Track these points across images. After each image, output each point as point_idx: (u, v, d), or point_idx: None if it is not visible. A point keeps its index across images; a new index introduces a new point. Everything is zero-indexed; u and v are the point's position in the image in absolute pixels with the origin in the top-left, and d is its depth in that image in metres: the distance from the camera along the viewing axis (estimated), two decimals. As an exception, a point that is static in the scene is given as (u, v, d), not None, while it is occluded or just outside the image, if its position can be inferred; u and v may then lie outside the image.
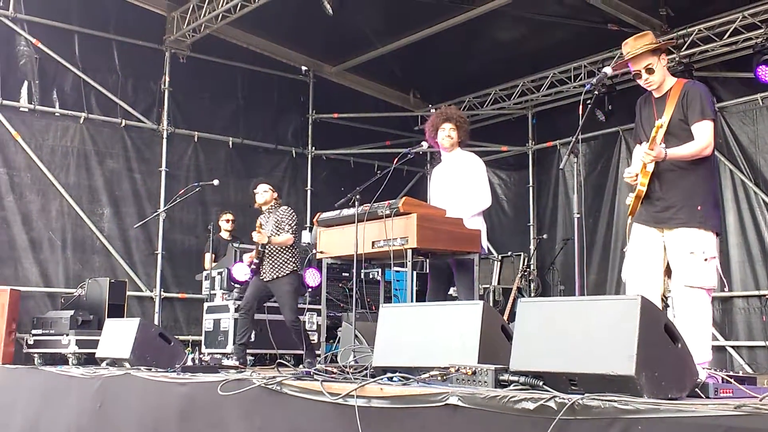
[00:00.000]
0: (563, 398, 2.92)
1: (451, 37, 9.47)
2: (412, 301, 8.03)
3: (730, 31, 8.35)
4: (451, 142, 5.90)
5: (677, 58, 8.73)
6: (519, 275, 9.99)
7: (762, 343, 8.29)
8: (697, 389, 3.40)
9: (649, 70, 4.42)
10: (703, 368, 3.95)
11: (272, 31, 10.44)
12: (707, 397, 3.35)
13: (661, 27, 8.78)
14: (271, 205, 7.19)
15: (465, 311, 4.00)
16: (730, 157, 8.77)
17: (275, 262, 6.97)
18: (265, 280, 7.00)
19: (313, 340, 7.75)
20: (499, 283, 10.45)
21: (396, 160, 5.98)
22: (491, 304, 10.06)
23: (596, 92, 4.55)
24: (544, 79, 10.16)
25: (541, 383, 3.33)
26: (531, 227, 11.03)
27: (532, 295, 10.43)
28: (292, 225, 7.02)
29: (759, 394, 3.15)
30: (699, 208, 4.21)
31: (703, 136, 4.21)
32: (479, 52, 9.99)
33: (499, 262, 10.75)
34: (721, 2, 8.31)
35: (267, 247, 6.95)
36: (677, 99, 4.29)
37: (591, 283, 9.91)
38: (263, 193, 7.20)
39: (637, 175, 4.33)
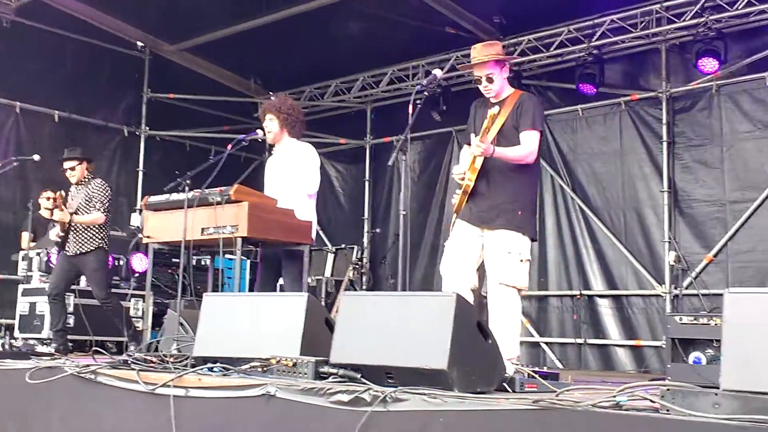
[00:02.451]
0: (377, 391, 3.00)
1: (294, 26, 9.43)
2: (241, 289, 7.95)
3: (557, 43, 8.85)
4: (273, 135, 5.87)
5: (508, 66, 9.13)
6: (350, 268, 10.12)
7: (572, 340, 8.86)
8: (504, 384, 3.59)
9: (490, 79, 4.69)
10: (512, 363, 4.20)
11: (107, 3, 9.96)
12: (514, 392, 3.55)
13: (494, 34, 9.15)
14: (83, 179, 6.85)
15: (289, 303, 4.01)
16: (551, 164, 9.29)
17: (80, 237, 6.64)
18: (68, 254, 6.68)
19: (138, 327, 7.50)
20: (332, 275, 10.54)
21: (230, 146, 5.89)
22: (323, 295, 10.14)
23: (426, 93, 4.67)
24: (383, 75, 10.34)
25: (359, 376, 3.40)
26: (365, 221, 11.20)
27: (364, 287, 10.62)
28: (104, 202, 6.68)
29: (559, 389, 3.39)
30: (520, 213, 4.50)
31: (529, 143, 4.50)
32: (322, 44, 10.01)
33: (333, 254, 10.84)
34: (550, 16, 8.77)
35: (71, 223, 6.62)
36: (512, 107, 4.58)
37: (419, 279, 10.21)
38: (70, 170, 6.82)
39: (465, 172, 4.53)
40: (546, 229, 9.22)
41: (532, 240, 4.60)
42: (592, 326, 8.73)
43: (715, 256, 8.07)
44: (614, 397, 2.67)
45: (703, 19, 7.86)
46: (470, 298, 4.46)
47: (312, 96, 11.15)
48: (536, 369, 3.85)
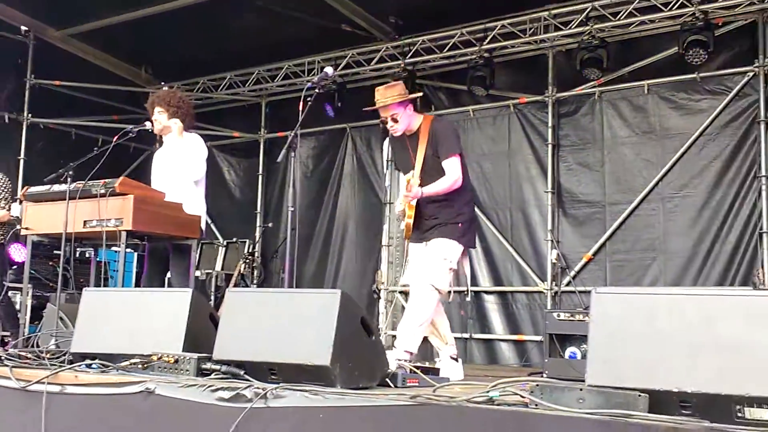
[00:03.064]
0: (258, 387, 3.01)
1: (189, 16, 9.24)
2: (127, 283, 7.77)
3: (450, 45, 9.03)
4: (162, 127, 5.79)
5: (402, 65, 9.28)
6: (241, 262, 10.04)
7: (459, 335, 9.05)
8: (387, 379, 3.67)
9: (394, 119, 4.94)
10: (411, 355, 4.60)
11: (-12, -16, 9.50)
12: (395, 387, 3.63)
13: (389, 34, 9.29)
14: None
15: (173, 298, 3.97)
16: (444, 162, 9.46)
17: None
18: None
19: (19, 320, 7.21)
20: (223, 269, 10.43)
21: (117, 137, 5.76)
22: (213, 289, 10.02)
23: (318, 90, 4.74)
24: (279, 69, 10.29)
25: (242, 372, 3.41)
26: (258, 215, 11.12)
27: (255, 282, 10.55)
28: (8, 198, 6.45)
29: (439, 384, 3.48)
30: (460, 225, 4.91)
31: (452, 171, 4.83)
32: (217, 36, 9.85)
33: (224, 248, 10.72)
34: (444, 18, 8.93)
35: None
36: (427, 137, 4.89)
37: (310, 274, 10.23)
38: None
39: (404, 210, 4.90)
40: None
41: (471, 248, 5.06)
42: (479, 321, 8.95)
43: (595, 255, 8.41)
44: (487, 392, 2.78)
45: (587, 28, 8.17)
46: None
47: (206, 88, 10.97)
48: (418, 364, 3.94)
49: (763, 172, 7.55)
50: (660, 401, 2.60)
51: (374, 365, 3.60)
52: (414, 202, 4.88)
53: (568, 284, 8.45)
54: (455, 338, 8.98)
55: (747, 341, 2.56)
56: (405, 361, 4.43)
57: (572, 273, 8.46)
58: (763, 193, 7.54)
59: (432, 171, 4.86)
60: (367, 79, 10.04)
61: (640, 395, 2.59)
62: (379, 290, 9.75)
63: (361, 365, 3.45)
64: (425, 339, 8.29)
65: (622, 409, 2.53)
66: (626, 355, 2.72)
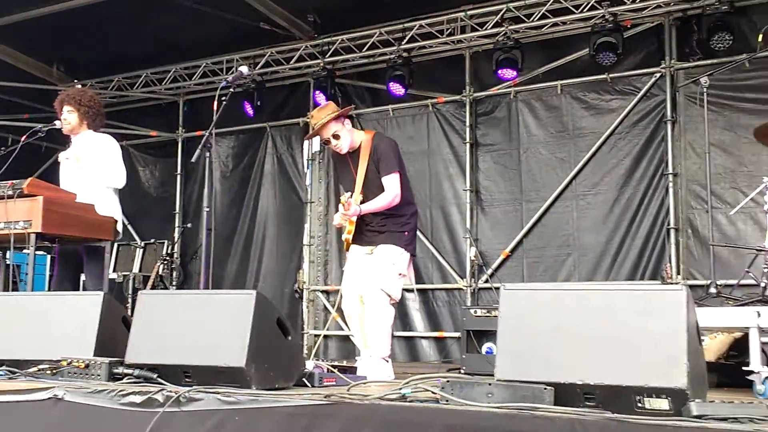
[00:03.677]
0: (171, 390, 2.98)
1: (104, 13, 8.99)
2: (38, 287, 7.54)
3: (369, 44, 9.07)
4: (71, 127, 5.67)
5: (322, 64, 9.28)
6: (159, 263, 9.86)
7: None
8: (304, 379, 3.68)
9: (336, 137, 5.04)
10: (385, 360, 4.87)
11: None
12: (312, 386, 3.65)
13: (308, 33, 9.26)
14: None
15: (85, 302, 3.89)
16: (364, 161, 9.50)
17: None
18: None
19: None
20: (140, 271, 10.22)
21: (25, 136, 5.62)
22: (131, 291, 9.82)
23: (233, 89, 4.72)
24: (197, 68, 10.16)
25: (155, 376, 3.37)
26: (176, 215, 10.94)
27: (174, 284, 10.39)
28: None
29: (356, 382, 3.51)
30: (406, 233, 5.08)
31: (391, 188, 4.98)
32: (133, 33, 9.64)
33: (141, 249, 10.50)
34: (363, 17, 8.97)
35: None
36: (369, 154, 5.02)
37: (231, 274, 10.14)
38: None
39: (344, 225, 5.03)
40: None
41: (413, 256, 5.19)
42: (400, 319, 9.01)
43: (512, 252, 8.59)
44: (400, 389, 2.82)
45: (503, 29, 8.33)
46: (359, 306, 5.05)
47: (121, 86, 10.74)
48: (335, 363, 3.97)
49: (670, 170, 7.84)
50: (565, 394, 2.68)
51: (290, 365, 3.60)
52: (354, 218, 5.02)
53: (486, 281, 8.61)
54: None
55: (646, 334, 2.67)
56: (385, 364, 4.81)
57: (490, 270, 8.61)
58: (670, 190, 7.82)
59: (373, 186, 5.01)
60: (287, 77, 10.00)
61: (546, 388, 2.67)
62: (301, 290, 9.73)
63: (277, 366, 3.45)
64: (348, 338, 8.35)
65: (529, 402, 2.61)
66: (533, 350, 2.80)
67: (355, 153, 5.12)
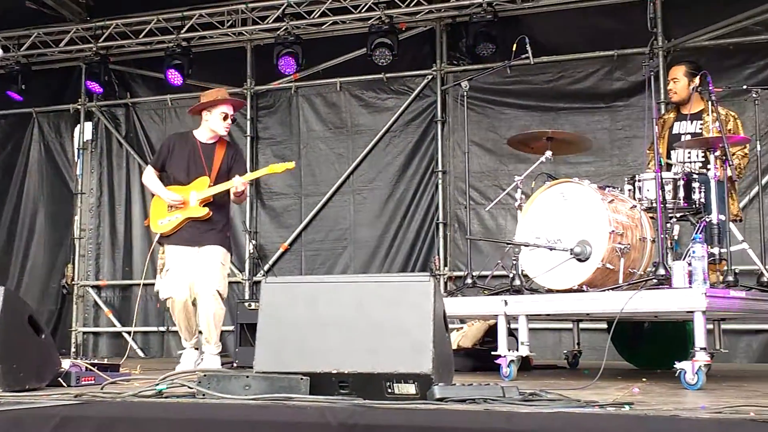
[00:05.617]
0: None
1: None
2: None
3: (146, 31, 8.78)
4: None
5: (95, 49, 8.85)
6: None
7: (155, 329, 8.89)
8: (60, 378, 3.53)
9: (233, 120, 5.59)
10: (220, 356, 5.33)
11: None
12: (69, 386, 3.50)
13: (80, 15, 8.80)
14: None
15: None
16: (139, 152, 9.19)
17: None
18: None
19: None
20: None
21: None
22: None
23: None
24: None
25: None
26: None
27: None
28: None
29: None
30: (228, 234, 5.47)
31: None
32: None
33: None
34: (139, 2, 8.67)
35: None
36: (224, 152, 5.39)
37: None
38: None
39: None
40: (133, 218, 9.14)
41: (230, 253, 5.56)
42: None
43: (291, 245, 8.68)
44: (156, 386, 2.79)
45: (284, 24, 8.38)
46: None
47: None
48: (95, 361, 3.84)
49: (440, 168, 8.28)
50: (321, 383, 2.78)
51: (44, 365, 3.45)
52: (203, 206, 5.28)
53: (265, 274, 8.63)
54: (151, 332, 8.90)
55: (396, 323, 2.82)
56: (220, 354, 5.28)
57: (269, 263, 8.65)
58: (440, 187, 8.27)
59: (221, 182, 5.30)
60: (56, 61, 9.45)
61: (302, 378, 2.75)
62: (70, 285, 9.24)
63: (28, 366, 3.30)
64: (120, 335, 8.08)
65: (285, 392, 2.68)
66: (290, 341, 2.87)
67: (211, 145, 5.41)
